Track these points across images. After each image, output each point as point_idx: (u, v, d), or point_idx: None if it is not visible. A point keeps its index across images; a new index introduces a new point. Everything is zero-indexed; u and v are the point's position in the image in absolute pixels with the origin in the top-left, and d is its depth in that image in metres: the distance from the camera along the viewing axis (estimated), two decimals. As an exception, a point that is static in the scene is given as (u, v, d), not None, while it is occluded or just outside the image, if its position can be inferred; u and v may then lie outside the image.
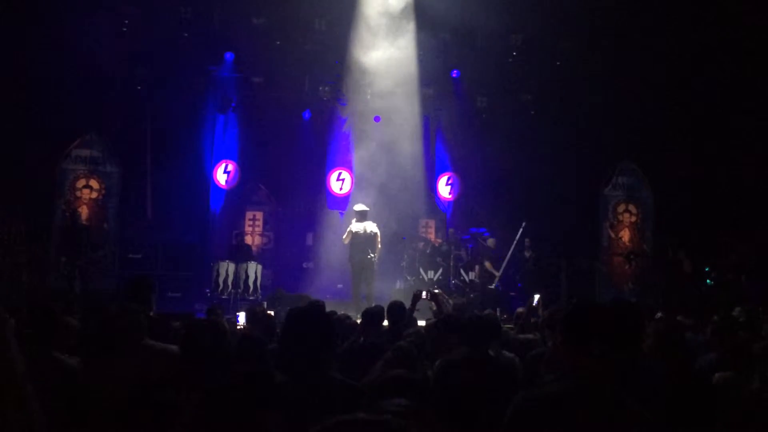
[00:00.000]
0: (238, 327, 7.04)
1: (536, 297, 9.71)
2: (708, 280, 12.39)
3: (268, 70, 14.13)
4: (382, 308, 6.08)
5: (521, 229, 10.84)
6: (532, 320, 6.74)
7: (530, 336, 6.14)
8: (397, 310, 5.94)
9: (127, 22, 12.90)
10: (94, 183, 13.07)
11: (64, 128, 12.74)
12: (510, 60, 14.29)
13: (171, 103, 13.55)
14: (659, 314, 6.90)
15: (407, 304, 6.36)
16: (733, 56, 12.82)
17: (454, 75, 14.67)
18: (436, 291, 7.43)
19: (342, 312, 7.32)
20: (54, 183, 12.84)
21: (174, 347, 3.65)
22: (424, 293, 7.03)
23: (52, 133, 12.43)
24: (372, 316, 5.72)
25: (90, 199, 13.04)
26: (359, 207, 11.18)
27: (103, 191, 13.11)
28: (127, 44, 12.69)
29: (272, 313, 6.97)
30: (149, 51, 13.14)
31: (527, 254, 13.73)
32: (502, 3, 12.41)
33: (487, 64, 14.06)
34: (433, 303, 6.91)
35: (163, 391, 2.88)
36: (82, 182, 12.99)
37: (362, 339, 5.45)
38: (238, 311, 7.26)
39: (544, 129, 13.82)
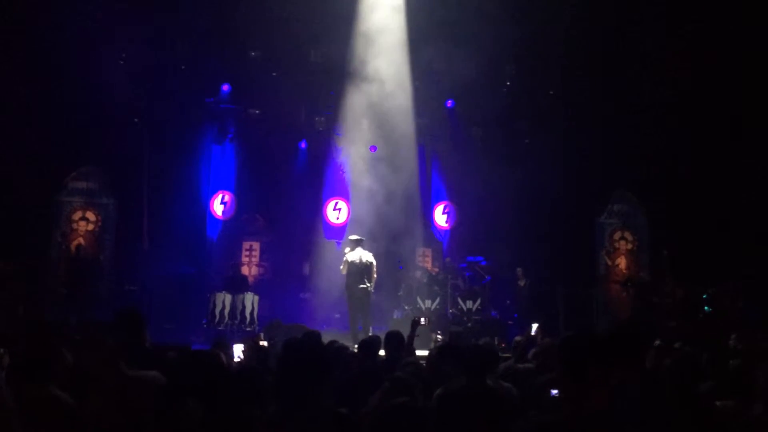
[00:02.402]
0: (235, 359, 6.99)
1: (534, 326, 9.68)
2: (705, 307, 12.35)
3: (265, 102, 14.26)
4: (378, 338, 6.06)
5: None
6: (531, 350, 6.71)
7: (529, 365, 6.11)
8: (394, 339, 5.91)
9: (124, 55, 13.02)
10: (90, 215, 13.08)
11: (60, 160, 12.77)
12: (504, 89, 14.44)
13: (168, 135, 13.62)
14: (658, 342, 6.86)
15: (405, 333, 6.33)
16: (730, 81, 12.92)
17: (448, 105, 14.80)
18: (422, 321, 7.40)
19: (340, 342, 7.28)
20: (50, 215, 12.84)
21: (157, 375, 3.64)
22: (422, 319, 7.04)
23: (48, 165, 12.46)
24: (368, 346, 5.70)
25: (86, 231, 13.04)
26: (353, 237, 11.20)
27: (100, 223, 13.12)
28: (124, 76, 12.77)
29: (266, 343, 6.93)
30: (146, 83, 13.24)
31: (521, 283, 13.80)
32: (496, 33, 12.55)
33: (481, 94, 14.19)
34: (436, 335, 6.93)
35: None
36: (78, 214, 13.01)
37: (359, 369, 5.41)
38: (234, 343, 7.21)
39: (538, 157, 13.90)
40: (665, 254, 12.87)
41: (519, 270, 13.92)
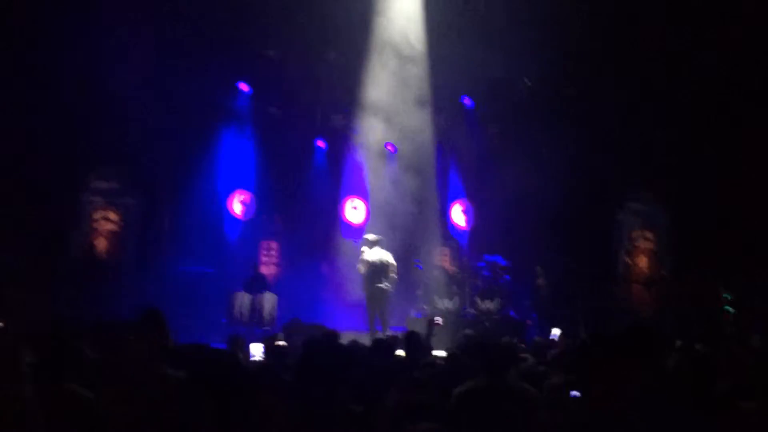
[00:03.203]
0: (254, 359, 7.01)
1: (556, 332, 9.51)
2: (728, 307, 12.20)
3: (283, 101, 14.30)
4: (396, 337, 6.06)
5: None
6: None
7: (548, 367, 6.06)
8: (413, 341, 5.90)
9: (143, 55, 13.10)
10: (111, 215, 13.18)
11: (82, 160, 12.89)
12: (522, 87, 14.36)
13: (187, 135, 13.70)
14: (679, 342, 6.79)
15: (423, 333, 6.33)
16: (747, 78, 12.75)
17: (466, 103, 14.75)
18: (438, 320, 7.40)
19: (359, 342, 7.28)
20: (71, 214, 12.95)
21: (178, 373, 3.67)
22: (439, 319, 7.04)
23: (69, 166, 12.57)
24: (383, 345, 5.69)
25: (107, 230, 13.14)
26: (371, 236, 11.19)
27: (121, 223, 13.20)
28: (143, 77, 12.86)
29: (284, 343, 6.95)
30: (165, 83, 13.31)
31: (540, 282, 13.69)
32: (515, 31, 12.48)
33: (499, 92, 14.11)
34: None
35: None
36: (99, 214, 13.10)
37: (376, 369, 5.41)
38: (253, 342, 7.25)
39: (557, 156, 13.80)
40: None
41: (538, 268, 13.80)
